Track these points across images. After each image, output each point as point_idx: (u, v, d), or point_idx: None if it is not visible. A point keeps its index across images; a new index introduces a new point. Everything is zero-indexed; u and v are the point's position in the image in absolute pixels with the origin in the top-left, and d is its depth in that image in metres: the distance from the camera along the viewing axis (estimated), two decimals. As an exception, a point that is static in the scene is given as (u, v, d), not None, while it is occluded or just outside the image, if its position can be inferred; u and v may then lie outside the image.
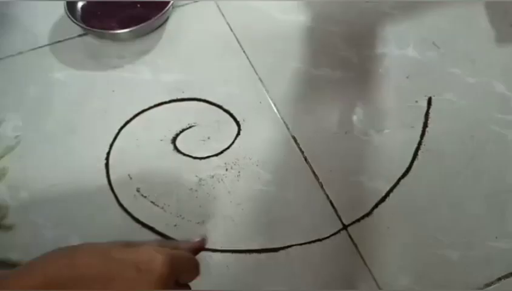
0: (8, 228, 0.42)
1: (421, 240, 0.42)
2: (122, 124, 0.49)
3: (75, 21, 0.55)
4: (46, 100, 0.52)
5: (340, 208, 0.44)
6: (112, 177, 0.46)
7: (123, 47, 0.56)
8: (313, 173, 0.46)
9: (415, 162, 0.46)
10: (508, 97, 0.51)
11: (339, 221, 0.43)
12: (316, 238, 0.42)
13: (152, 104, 0.51)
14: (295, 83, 0.53)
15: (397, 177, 0.45)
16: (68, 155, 0.47)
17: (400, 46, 0.56)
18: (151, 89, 0.52)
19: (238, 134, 0.49)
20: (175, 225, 0.43)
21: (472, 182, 0.45)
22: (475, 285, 0.40)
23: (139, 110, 0.50)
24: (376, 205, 0.44)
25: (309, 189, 0.45)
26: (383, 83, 0.53)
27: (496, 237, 0.42)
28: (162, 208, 0.44)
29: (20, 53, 0.56)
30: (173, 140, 0.48)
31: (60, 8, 0.57)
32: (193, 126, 0.49)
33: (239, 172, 0.46)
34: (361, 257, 0.41)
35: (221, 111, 0.50)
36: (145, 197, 0.44)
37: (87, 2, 0.59)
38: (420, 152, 0.47)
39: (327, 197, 0.44)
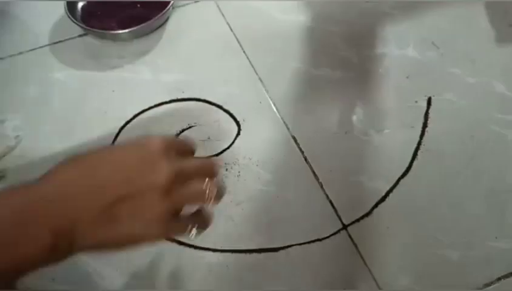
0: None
1: (421, 240, 0.42)
2: (122, 124, 0.49)
3: (75, 21, 0.55)
4: (46, 100, 0.52)
5: (339, 208, 0.44)
6: (112, 177, 0.46)
7: (123, 47, 0.56)
8: (313, 173, 0.46)
9: (415, 162, 0.46)
10: (508, 97, 0.51)
11: (339, 221, 0.43)
12: (316, 238, 0.42)
13: (152, 104, 0.51)
14: (295, 83, 0.53)
15: (397, 177, 0.45)
16: (68, 155, 0.47)
17: (400, 46, 0.56)
18: (151, 89, 0.52)
19: (238, 134, 0.49)
20: (175, 225, 0.43)
21: (472, 182, 0.45)
22: (475, 285, 0.40)
23: (139, 110, 0.50)
24: (376, 205, 0.44)
25: (309, 189, 0.45)
26: (383, 83, 0.53)
27: (496, 237, 0.42)
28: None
29: (20, 53, 0.56)
30: (173, 140, 0.48)
31: (60, 8, 0.57)
32: (193, 126, 0.49)
33: (239, 172, 0.46)
34: (361, 257, 0.41)
35: (221, 111, 0.50)
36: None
37: (87, 2, 0.59)
38: (419, 152, 0.47)
39: (327, 197, 0.44)
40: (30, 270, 0.25)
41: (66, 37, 0.57)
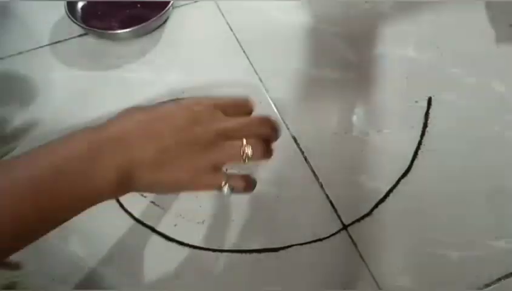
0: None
1: (421, 240, 0.42)
2: (122, 124, 0.49)
3: (75, 21, 0.55)
4: (46, 100, 0.52)
5: (340, 208, 0.44)
6: (112, 177, 0.46)
7: (123, 47, 0.56)
8: (313, 173, 0.46)
9: (415, 162, 0.46)
10: (508, 97, 0.51)
11: (339, 221, 0.43)
12: (317, 238, 0.42)
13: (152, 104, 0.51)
14: (295, 83, 0.53)
15: (397, 177, 0.45)
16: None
17: (399, 46, 0.56)
18: (151, 89, 0.52)
19: (238, 134, 0.48)
20: (175, 225, 0.43)
21: (472, 182, 0.45)
22: (475, 285, 0.39)
23: (139, 110, 0.50)
24: (376, 205, 0.44)
25: (309, 189, 0.45)
26: (383, 83, 0.53)
27: (496, 237, 0.42)
28: (163, 208, 0.44)
29: (20, 53, 0.56)
30: (173, 140, 0.48)
31: (60, 8, 0.57)
32: (193, 126, 0.49)
33: (239, 172, 0.46)
34: (361, 257, 0.41)
35: (221, 111, 0.50)
36: (145, 197, 0.44)
37: (87, 2, 0.59)
38: (420, 152, 0.47)
39: (327, 197, 0.44)
40: (96, 202, 0.29)
41: (66, 37, 0.57)
